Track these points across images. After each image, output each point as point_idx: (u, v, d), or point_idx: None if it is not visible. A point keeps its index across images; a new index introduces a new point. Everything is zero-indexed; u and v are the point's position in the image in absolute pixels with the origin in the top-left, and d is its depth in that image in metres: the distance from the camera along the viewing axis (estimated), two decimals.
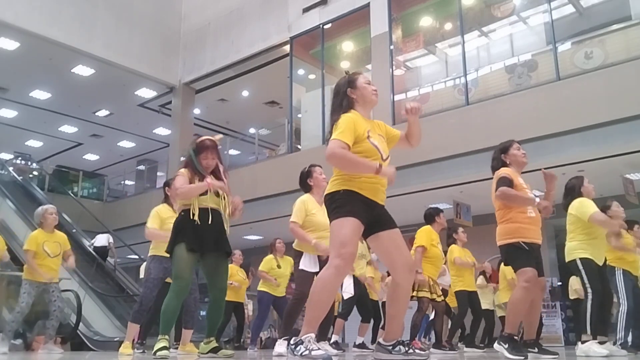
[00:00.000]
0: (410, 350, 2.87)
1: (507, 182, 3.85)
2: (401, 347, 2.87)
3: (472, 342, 6.98)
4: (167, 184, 5.21)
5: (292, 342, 2.82)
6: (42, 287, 5.86)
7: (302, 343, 2.73)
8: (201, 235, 3.78)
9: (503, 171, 3.96)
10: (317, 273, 4.52)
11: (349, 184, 2.83)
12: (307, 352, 2.69)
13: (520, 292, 3.75)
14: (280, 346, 4.49)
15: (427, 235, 5.84)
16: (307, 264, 4.50)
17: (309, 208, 4.57)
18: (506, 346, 3.63)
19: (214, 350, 3.95)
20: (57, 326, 6.03)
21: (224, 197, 3.99)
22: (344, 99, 3.01)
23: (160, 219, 4.89)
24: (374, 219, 2.86)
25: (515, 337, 3.73)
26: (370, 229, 2.88)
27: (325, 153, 2.82)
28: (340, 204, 2.79)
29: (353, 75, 3.10)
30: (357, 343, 6.79)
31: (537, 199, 3.79)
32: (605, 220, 4.56)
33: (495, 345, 3.77)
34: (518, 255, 3.79)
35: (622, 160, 8.24)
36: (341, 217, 2.77)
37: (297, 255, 4.59)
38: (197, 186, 3.83)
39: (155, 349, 3.77)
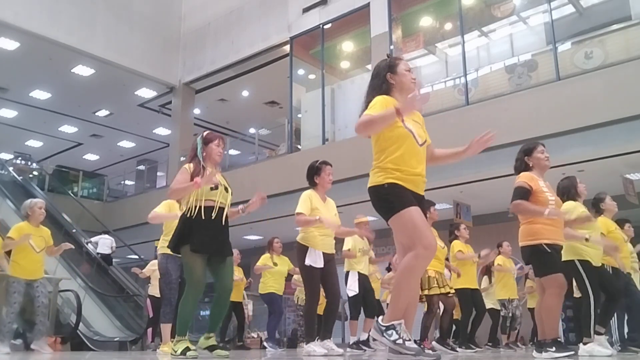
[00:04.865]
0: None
1: (521, 193, 3.83)
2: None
3: (471, 342, 6.94)
4: None
5: (380, 321, 2.66)
6: (27, 283, 5.69)
7: (394, 328, 2.60)
8: (206, 237, 3.74)
9: (521, 178, 3.92)
10: (321, 269, 4.49)
11: (392, 177, 2.73)
12: (401, 340, 2.57)
13: (552, 298, 3.77)
14: (317, 346, 4.38)
15: None
16: (314, 259, 4.46)
17: (314, 202, 4.53)
18: (553, 349, 3.66)
19: (210, 349, 3.92)
20: (46, 322, 5.89)
21: (229, 191, 3.96)
22: (383, 82, 2.92)
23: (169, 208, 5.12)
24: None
25: (559, 339, 3.74)
26: None
27: (354, 128, 2.77)
28: (393, 198, 2.70)
29: (394, 60, 2.98)
30: (352, 342, 6.75)
31: (548, 210, 3.68)
32: (587, 216, 4.34)
33: (543, 355, 3.72)
34: (544, 260, 3.77)
35: (622, 160, 8.24)
36: (403, 210, 2.68)
37: (301, 251, 4.52)
38: (185, 187, 3.74)
39: (178, 350, 3.71)
